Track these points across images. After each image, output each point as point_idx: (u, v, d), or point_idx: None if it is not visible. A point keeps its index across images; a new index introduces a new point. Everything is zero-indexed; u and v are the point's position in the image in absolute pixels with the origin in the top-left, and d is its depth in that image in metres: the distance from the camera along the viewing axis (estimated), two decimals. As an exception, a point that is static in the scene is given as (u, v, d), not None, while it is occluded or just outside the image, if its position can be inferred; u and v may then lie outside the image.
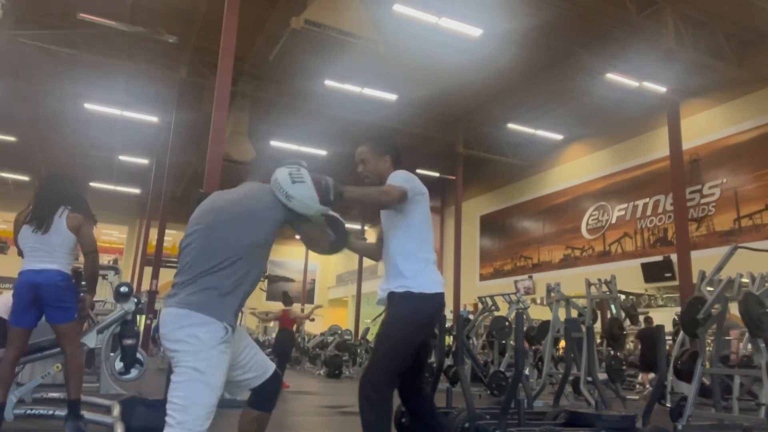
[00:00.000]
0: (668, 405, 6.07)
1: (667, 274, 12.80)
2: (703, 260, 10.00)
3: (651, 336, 7.91)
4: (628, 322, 7.76)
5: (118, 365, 4.45)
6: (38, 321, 3.39)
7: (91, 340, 4.20)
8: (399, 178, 2.45)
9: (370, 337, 14.82)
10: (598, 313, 8.54)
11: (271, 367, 2.13)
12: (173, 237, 21.87)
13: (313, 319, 16.75)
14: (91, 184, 21.14)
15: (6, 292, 8.17)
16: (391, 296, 2.44)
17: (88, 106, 13.77)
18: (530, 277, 17.12)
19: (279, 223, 2.01)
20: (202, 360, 1.80)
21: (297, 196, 1.96)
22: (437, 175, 17.99)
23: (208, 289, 1.85)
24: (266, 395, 2.10)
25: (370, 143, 2.62)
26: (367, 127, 14.94)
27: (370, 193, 2.45)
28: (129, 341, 4.36)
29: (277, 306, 9.97)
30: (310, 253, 28.47)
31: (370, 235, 25.39)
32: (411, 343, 2.39)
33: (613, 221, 14.97)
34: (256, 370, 2.09)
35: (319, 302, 30.09)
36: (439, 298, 2.45)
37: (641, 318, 9.31)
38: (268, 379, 2.10)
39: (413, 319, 2.38)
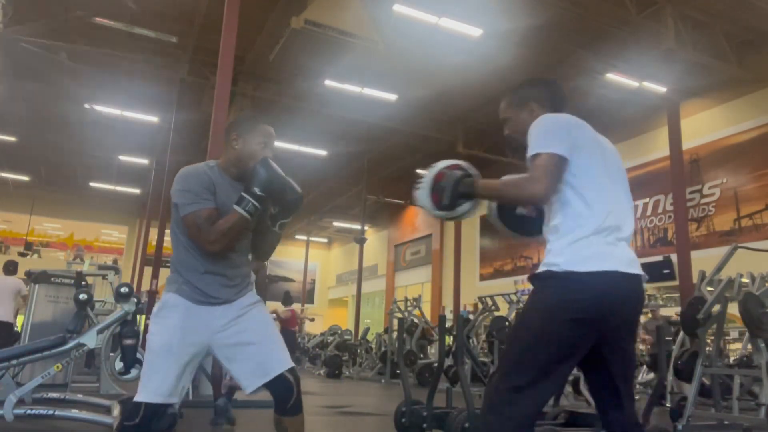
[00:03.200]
0: (668, 405, 6.07)
1: (667, 272, 12.80)
2: (703, 260, 9.99)
3: None
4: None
5: (118, 365, 4.45)
6: None
7: (91, 340, 4.21)
8: (537, 137, 1.67)
9: (370, 337, 14.83)
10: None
11: (278, 368, 1.98)
12: (173, 237, 21.85)
13: (312, 319, 16.79)
14: (91, 184, 21.15)
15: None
16: (533, 281, 1.70)
17: (88, 106, 13.77)
18: (530, 277, 17.11)
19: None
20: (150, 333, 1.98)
21: (419, 203, 1.81)
22: (437, 175, 17.97)
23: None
24: (277, 397, 1.98)
25: (508, 95, 1.94)
26: (368, 127, 14.93)
27: (505, 189, 1.76)
28: (129, 341, 4.37)
29: (276, 306, 9.99)
30: (310, 253, 28.49)
31: (371, 236, 25.31)
32: (548, 342, 1.58)
33: (613, 221, 14.95)
34: (247, 369, 1.98)
35: (318, 302, 30.24)
36: (598, 279, 1.58)
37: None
38: (271, 380, 1.97)
39: (554, 308, 1.60)
